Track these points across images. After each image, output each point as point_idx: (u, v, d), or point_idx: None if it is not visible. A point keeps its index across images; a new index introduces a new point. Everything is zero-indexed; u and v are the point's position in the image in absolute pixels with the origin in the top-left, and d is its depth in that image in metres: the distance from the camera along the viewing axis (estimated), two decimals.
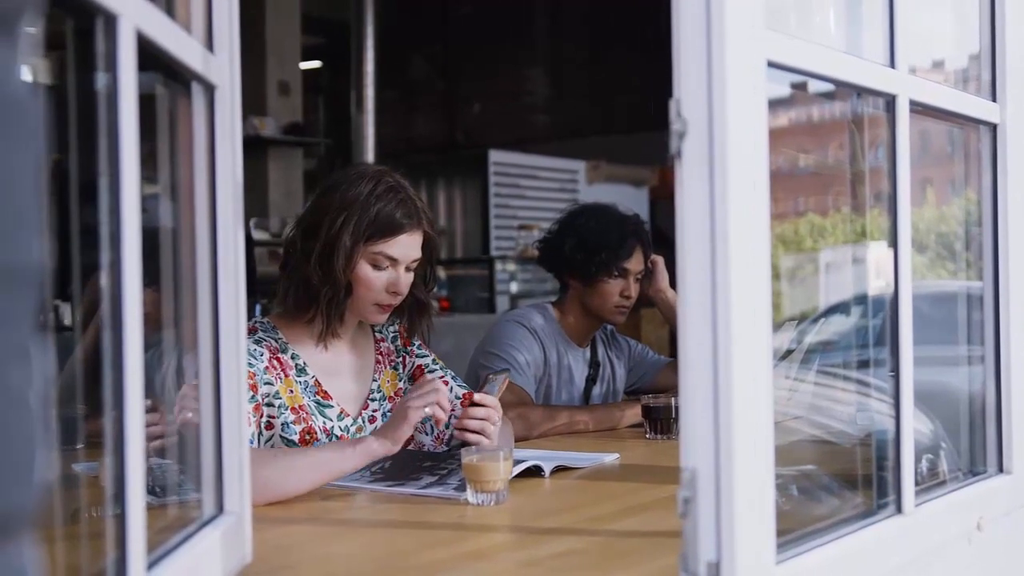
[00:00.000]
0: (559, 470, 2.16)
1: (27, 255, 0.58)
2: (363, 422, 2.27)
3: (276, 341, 2.21)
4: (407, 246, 2.19)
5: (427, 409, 1.98)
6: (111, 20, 1.00)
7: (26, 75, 0.60)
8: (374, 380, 2.33)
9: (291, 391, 2.17)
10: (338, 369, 2.27)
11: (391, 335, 2.41)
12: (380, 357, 2.36)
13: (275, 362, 2.16)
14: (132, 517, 1.01)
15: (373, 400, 2.31)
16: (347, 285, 2.17)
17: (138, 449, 1.02)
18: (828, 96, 1.76)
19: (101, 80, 1.02)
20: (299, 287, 2.19)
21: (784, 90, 1.45)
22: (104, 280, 1.01)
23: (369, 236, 2.15)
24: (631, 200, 7.20)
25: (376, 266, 2.18)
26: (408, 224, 2.18)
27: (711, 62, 1.17)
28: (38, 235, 0.60)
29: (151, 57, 1.12)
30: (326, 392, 2.22)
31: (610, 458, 2.34)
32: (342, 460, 1.96)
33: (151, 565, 1.09)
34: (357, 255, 2.16)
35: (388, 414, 2.29)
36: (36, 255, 0.60)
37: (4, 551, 0.57)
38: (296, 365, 2.20)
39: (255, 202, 7.35)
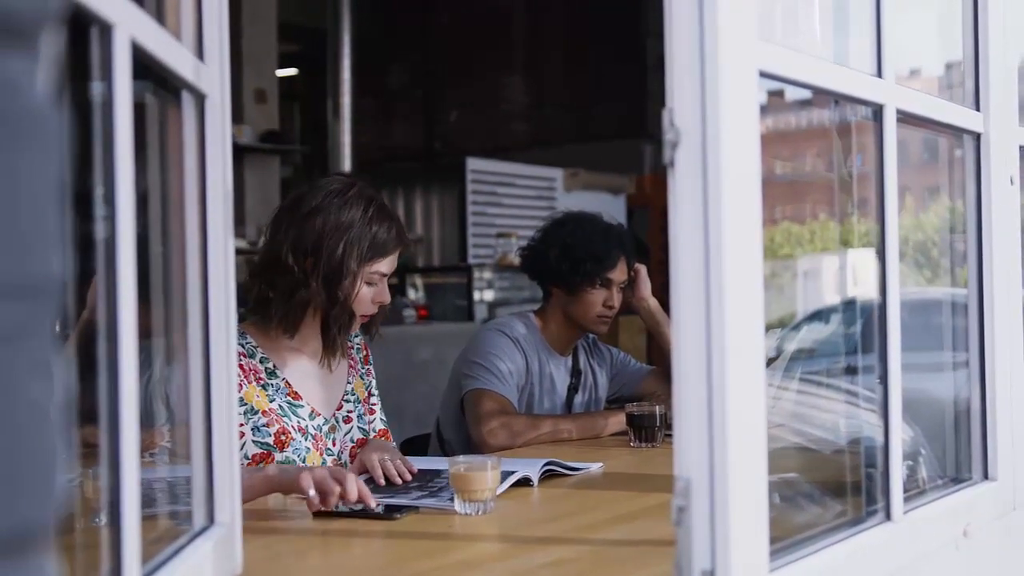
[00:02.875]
0: (548, 476, 2.17)
1: (48, 268, 0.58)
2: (337, 421, 2.35)
3: (243, 346, 2.24)
4: (395, 260, 2.32)
5: (311, 492, 1.82)
6: (106, 29, 0.99)
7: (45, 87, 0.60)
8: (348, 383, 2.41)
9: (258, 396, 2.22)
10: (311, 373, 2.33)
11: (356, 346, 2.49)
12: (352, 362, 2.45)
13: (238, 368, 2.19)
14: (127, 528, 1.00)
15: (348, 401, 2.40)
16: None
17: (133, 460, 1.01)
18: (806, 104, 1.77)
19: (96, 89, 1.01)
20: (299, 308, 2.24)
21: (761, 98, 1.45)
22: (99, 289, 1.00)
23: (370, 258, 2.25)
24: (608, 208, 7.18)
25: (369, 283, 2.28)
26: (400, 242, 2.31)
27: (704, 72, 1.17)
28: (59, 247, 0.60)
29: (142, 66, 1.11)
30: (296, 393, 2.28)
31: (595, 467, 2.35)
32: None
33: None
34: (360, 278, 2.25)
35: (362, 416, 2.40)
36: (57, 268, 0.59)
37: (29, 563, 0.57)
38: (266, 368, 2.26)
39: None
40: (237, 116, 7.32)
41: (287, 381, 2.27)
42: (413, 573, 1.53)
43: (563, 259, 2.99)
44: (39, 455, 0.57)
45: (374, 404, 2.49)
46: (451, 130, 10.12)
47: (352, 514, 1.86)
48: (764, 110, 1.52)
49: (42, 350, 0.58)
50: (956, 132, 1.85)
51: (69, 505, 1.36)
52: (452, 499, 1.88)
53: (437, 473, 2.16)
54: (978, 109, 1.84)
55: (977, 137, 1.84)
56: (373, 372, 2.51)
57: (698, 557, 1.17)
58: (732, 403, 1.16)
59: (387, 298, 2.32)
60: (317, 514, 1.87)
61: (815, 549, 1.36)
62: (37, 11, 0.59)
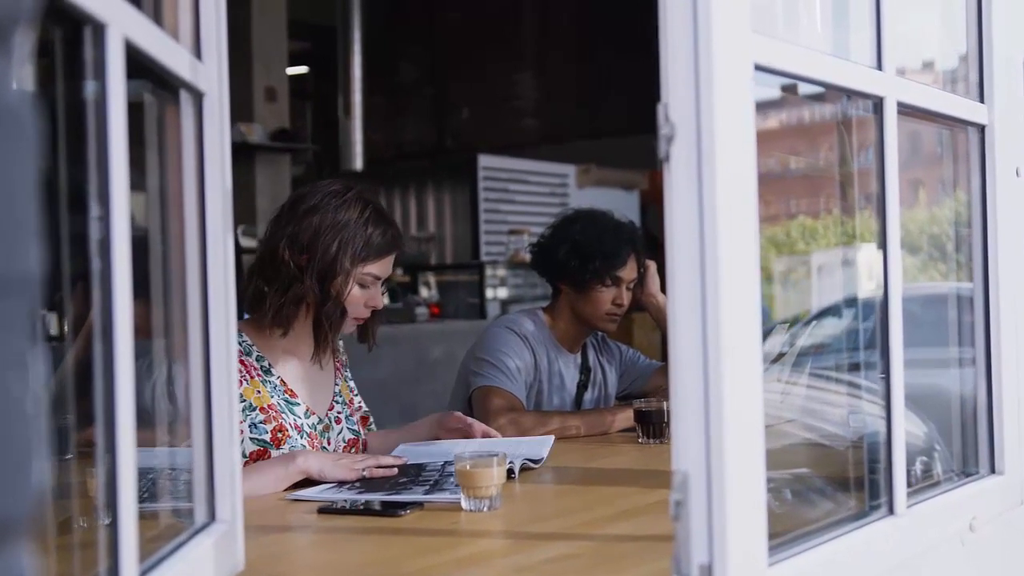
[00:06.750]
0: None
1: (24, 263, 0.59)
2: (330, 421, 2.39)
3: (240, 345, 2.27)
4: (390, 265, 2.36)
5: (365, 472, 2.12)
6: (99, 28, 1.00)
7: (20, 84, 0.61)
8: (336, 384, 2.46)
9: (258, 392, 2.26)
10: (303, 374, 2.37)
11: (339, 350, 2.54)
12: (339, 365, 2.50)
13: (239, 365, 2.22)
14: (124, 526, 1.00)
15: (337, 402, 2.44)
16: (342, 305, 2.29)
17: (129, 458, 1.02)
18: (818, 98, 1.76)
19: (89, 88, 1.02)
20: (292, 303, 2.27)
21: (774, 92, 1.45)
22: (95, 289, 1.00)
23: (364, 259, 2.28)
24: (621, 204, 7.20)
25: (362, 285, 2.31)
26: (395, 246, 2.34)
27: (698, 66, 1.17)
28: (35, 243, 0.60)
29: (138, 65, 1.12)
30: (292, 391, 2.32)
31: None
32: (276, 482, 2.07)
33: (143, 573, 1.08)
34: (352, 278, 2.28)
35: (350, 417, 2.44)
36: (33, 263, 0.60)
37: (5, 555, 0.57)
38: (262, 367, 2.30)
39: (243, 209, 7.31)
40: (247, 115, 7.33)
41: (282, 379, 2.31)
42: (417, 569, 1.53)
43: (573, 256, 2.98)
44: (16, 448, 0.58)
45: (358, 398, 2.54)
46: (462, 127, 10.12)
47: (357, 511, 1.86)
48: (778, 105, 1.52)
49: (19, 344, 0.59)
50: (960, 124, 1.84)
51: (64, 503, 1.37)
52: (455, 492, 1.89)
53: (422, 470, 2.17)
54: (983, 101, 1.83)
55: (982, 129, 1.83)
56: (349, 374, 2.55)
57: (696, 551, 1.17)
58: (729, 396, 1.16)
59: (379, 303, 2.36)
60: (321, 511, 1.88)
61: (816, 543, 1.36)
62: (10, 11, 0.59)
